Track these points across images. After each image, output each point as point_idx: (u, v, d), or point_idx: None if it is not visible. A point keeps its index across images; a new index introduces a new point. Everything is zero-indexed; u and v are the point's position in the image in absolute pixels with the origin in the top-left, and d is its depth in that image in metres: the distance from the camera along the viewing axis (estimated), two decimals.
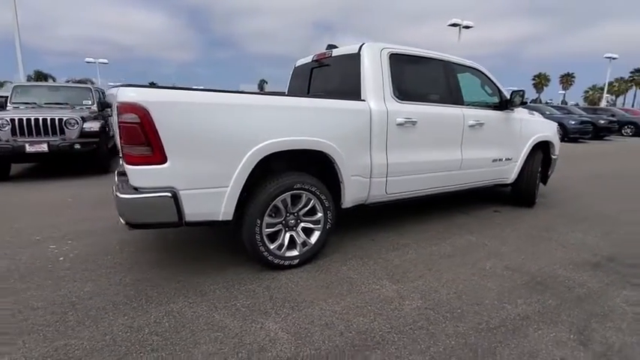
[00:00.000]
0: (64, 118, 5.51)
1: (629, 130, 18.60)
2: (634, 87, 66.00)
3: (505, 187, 4.43)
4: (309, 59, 3.82)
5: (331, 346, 1.84)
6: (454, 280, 2.55)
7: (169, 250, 3.01)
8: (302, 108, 2.54)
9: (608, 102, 47.12)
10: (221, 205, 2.29)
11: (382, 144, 2.93)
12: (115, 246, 3.07)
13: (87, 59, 29.50)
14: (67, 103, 6.72)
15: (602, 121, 16.01)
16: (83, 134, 5.63)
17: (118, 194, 2.08)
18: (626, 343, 1.91)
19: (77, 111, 6.21)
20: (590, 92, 69.87)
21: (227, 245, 3.09)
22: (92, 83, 17.55)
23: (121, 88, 2.03)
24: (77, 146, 5.54)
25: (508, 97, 3.90)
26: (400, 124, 2.98)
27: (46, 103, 6.55)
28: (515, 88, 3.92)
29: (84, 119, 5.72)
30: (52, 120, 5.44)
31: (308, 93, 3.75)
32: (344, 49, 3.26)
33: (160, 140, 2.03)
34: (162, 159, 2.05)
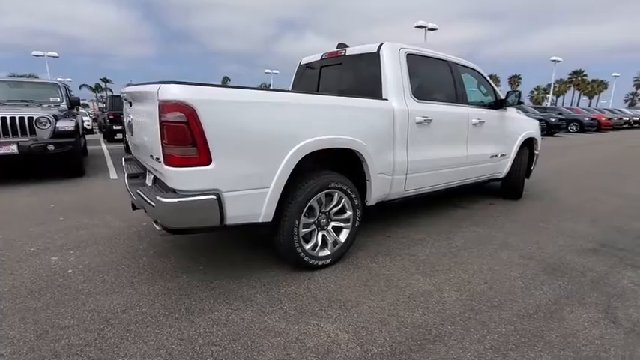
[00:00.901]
0: (35, 117, 5.01)
1: (574, 127, 20.45)
2: (572, 87, 72.63)
3: (496, 182, 4.71)
4: (316, 57, 3.80)
5: (394, 342, 1.86)
6: (480, 271, 2.69)
7: (187, 255, 2.86)
8: (338, 106, 2.53)
9: (551, 102, 51.45)
10: (262, 207, 2.22)
11: (404, 142, 2.99)
12: (125, 254, 2.86)
13: (34, 52, 26.80)
14: (32, 101, 6.10)
15: (553, 119, 17.47)
16: (57, 134, 5.16)
17: (160, 198, 1.94)
18: (631, 315, 2.13)
19: (47, 109, 5.66)
20: (535, 92, 75.95)
21: (243, 247, 3.00)
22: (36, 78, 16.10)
23: (164, 85, 1.89)
24: (51, 147, 5.07)
25: (502, 96, 4.16)
26: (419, 123, 3.07)
27: (8, 101, 5.89)
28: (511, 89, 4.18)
29: (56, 118, 5.24)
30: (22, 119, 4.92)
31: (317, 92, 3.73)
32: (360, 48, 3.28)
33: (206, 140, 1.92)
34: (207, 160, 1.95)
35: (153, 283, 2.41)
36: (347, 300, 2.25)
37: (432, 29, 18.39)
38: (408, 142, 3.03)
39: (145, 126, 2.22)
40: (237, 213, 2.13)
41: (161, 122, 1.89)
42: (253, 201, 2.18)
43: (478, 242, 3.27)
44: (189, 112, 1.86)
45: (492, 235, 3.45)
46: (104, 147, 10.07)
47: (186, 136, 1.89)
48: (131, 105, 2.51)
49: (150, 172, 2.60)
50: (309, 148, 2.30)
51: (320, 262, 2.60)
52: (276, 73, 36.37)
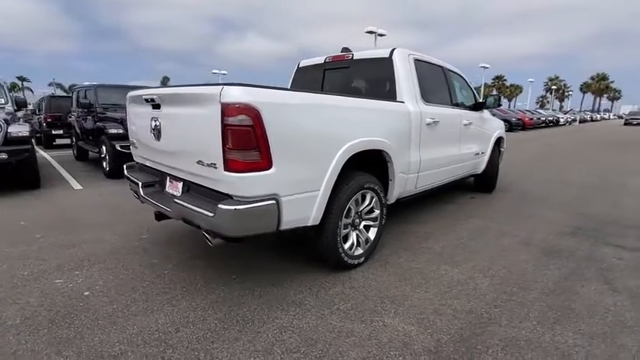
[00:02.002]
0: None
1: (504, 126, 22.96)
2: (494, 91, 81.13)
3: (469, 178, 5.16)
4: (318, 60, 3.83)
5: (457, 328, 1.99)
6: (494, 258, 2.95)
7: (211, 266, 2.71)
8: (373, 109, 2.61)
9: None
10: (313, 210, 2.21)
11: (417, 142, 3.17)
12: (143, 270, 2.62)
13: None
14: None
15: None
16: (9, 141, 4.48)
17: (222, 206, 1.84)
18: (629, 284, 2.53)
19: None
20: None
21: (264, 252, 2.93)
22: None
23: (227, 86, 1.80)
24: (3, 156, 4.39)
25: (480, 99, 4.58)
26: (429, 124, 3.27)
27: None
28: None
29: (7, 122, 4.55)
30: None
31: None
32: (368, 52, 3.40)
33: (268, 144, 1.87)
34: (268, 164, 1.90)
35: (192, 298, 2.25)
36: (395, 295, 2.34)
37: (380, 35, 19.35)
38: (420, 143, 3.21)
39: (188, 130, 2.07)
40: (291, 217, 2.10)
41: (224, 126, 1.80)
42: (306, 204, 2.17)
43: (479, 233, 3.57)
44: (254, 115, 1.80)
45: (488, 226, 3.79)
46: (45, 154, 8.89)
47: (250, 141, 1.82)
48: (158, 108, 2.31)
49: (176, 179, 2.43)
50: (354, 149, 2.35)
51: (356, 262, 2.65)
52: (224, 74, 35.09)
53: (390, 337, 1.90)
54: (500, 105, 4.63)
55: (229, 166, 1.85)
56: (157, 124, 2.31)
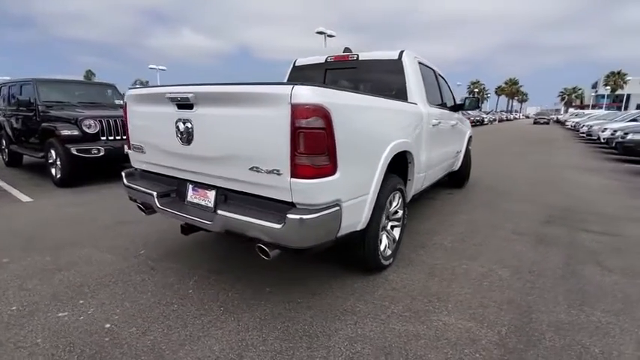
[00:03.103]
0: None
1: None
2: None
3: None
4: (318, 59, 3.75)
5: (507, 319, 2.10)
6: (500, 250, 3.18)
7: (236, 278, 2.50)
8: (402, 111, 2.62)
9: None
10: (363, 214, 2.16)
11: (427, 143, 3.28)
12: (162, 292, 2.32)
13: None
14: None
15: None
16: None
17: (292, 216, 1.70)
18: (627, 263, 2.92)
19: None
20: None
21: (286, 261, 2.80)
22: None
23: (297, 86, 1.65)
24: None
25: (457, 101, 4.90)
26: (434, 125, 3.40)
27: None
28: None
29: None
30: None
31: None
32: (376, 54, 3.41)
33: (335, 148, 1.77)
34: (334, 169, 1.80)
35: (237, 318, 2.05)
36: (437, 293, 2.39)
37: (330, 35, 19.61)
38: (429, 143, 3.33)
39: (239, 133, 1.85)
40: (347, 223, 2.02)
41: (295, 129, 1.66)
42: (359, 209, 2.11)
43: (474, 227, 3.82)
44: (325, 116, 1.69)
45: (478, 220, 4.07)
46: None
47: (322, 144, 1.71)
48: (189, 108, 2.04)
49: (205, 187, 2.19)
50: (394, 150, 2.34)
51: (387, 262, 2.66)
52: (163, 70, 32.42)
53: (457, 336, 1.94)
54: (479, 107, 5.01)
55: (298, 172, 1.71)
56: (189, 126, 2.04)
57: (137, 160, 2.61)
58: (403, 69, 3.22)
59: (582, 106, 62.13)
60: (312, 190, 1.75)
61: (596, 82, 64.27)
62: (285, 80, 3.99)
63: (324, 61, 3.70)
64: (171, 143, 2.18)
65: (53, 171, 5.09)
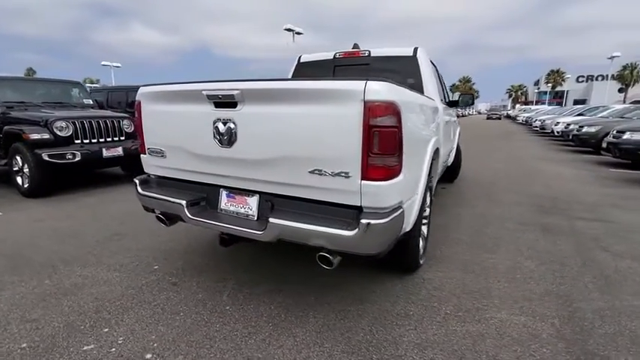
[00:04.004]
0: None
1: None
2: None
3: None
4: (325, 55, 3.64)
5: (554, 309, 2.15)
6: (514, 241, 3.27)
7: (270, 290, 2.33)
8: (432, 107, 2.57)
9: None
10: (412, 215, 2.09)
11: (442, 139, 3.29)
12: (199, 314, 2.10)
13: None
14: None
15: None
16: None
17: (367, 221, 1.58)
18: (631, 248, 3.12)
19: None
20: None
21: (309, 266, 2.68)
22: None
23: (370, 81, 1.53)
24: None
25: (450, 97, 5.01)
26: (447, 121, 3.43)
27: None
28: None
29: None
30: None
31: None
32: (389, 50, 3.37)
33: (402, 147, 1.68)
34: (400, 170, 1.71)
35: (291, 333, 1.90)
36: (478, 289, 2.39)
37: (298, 33, 19.40)
38: (442, 139, 3.35)
39: (298, 134, 1.69)
40: (404, 225, 1.94)
41: (369, 127, 1.54)
42: (411, 209, 2.03)
43: (482, 220, 3.91)
44: (398, 114, 1.60)
45: (481, 213, 4.18)
46: None
47: (394, 144, 1.61)
48: (232, 107, 1.83)
49: (244, 193, 2.00)
50: (433, 148, 2.31)
51: (422, 261, 2.63)
52: (117, 67, 30.10)
53: (518, 332, 1.94)
54: (473, 104, 5.15)
55: (369, 174, 1.60)
56: (231, 127, 1.84)
57: (154, 166, 2.33)
58: (418, 65, 3.20)
59: (527, 102, 67.28)
60: (382, 193, 1.65)
61: (538, 80, 69.80)
62: (290, 75, 3.82)
63: (332, 57, 3.59)
64: (205, 146, 1.96)
65: (19, 180, 4.48)
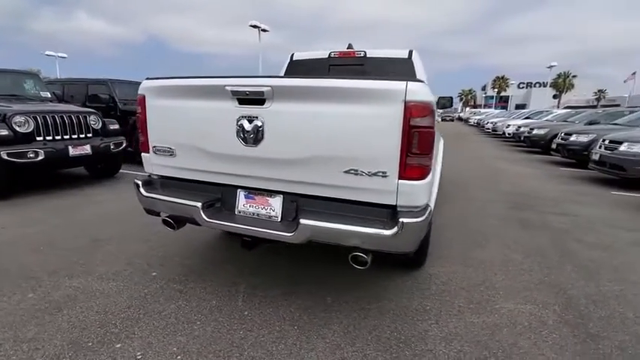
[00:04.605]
0: None
1: None
2: None
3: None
4: (320, 54, 3.62)
5: (553, 297, 2.33)
6: (499, 235, 3.50)
7: (283, 293, 2.29)
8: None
9: None
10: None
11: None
12: (210, 316, 2.00)
13: None
14: None
15: None
16: None
17: (406, 220, 1.60)
18: (597, 239, 3.47)
19: None
20: None
21: (305, 265, 2.67)
22: None
23: (411, 82, 1.55)
24: None
25: None
26: (438, 122, 3.57)
27: None
28: None
29: None
30: None
31: None
32: (384, 52, 3.43)
33: (434, 148, 1.73)
34: (430, 170, 1.75)
35: (319, 335, 1.87)
36: (482, 282, 2.52)
37: (264, 30, 19.03)
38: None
39: (334, 133, 1.66)
40: None
41: (410, 128, 1.56)
42: (432, 207, 2.09)
43: (465, 217, 4.13)
44: (433, 114, 1.64)
45: (463, 209, 4.42)
46: None
47: (431, 144, 1.65)
48: (259, 104, 1.74)
49: (266, 193, 1.93)
50: (440, 148, 2.38)
51: (425, 257, 2.72)
52: (63, 57, 27.35)
53: (528, 320, 2.08)
54: (451, 106, 5.40)
55: (407, 173, 1.63)
56: (257, 124, 1.77)
57: (160, 165, 2.16)
58: (414, 67, 3.30)
59: (475, 106, 72.09)
60: (417, 192, 1.69)
61: (485, 85, 75.13)
62: (283, 73, 3.75)
63: (327, 56, 3.58)
64: (226, 144, 1.86)
65: None
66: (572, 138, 8.35)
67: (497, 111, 32.87)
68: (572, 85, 53.85)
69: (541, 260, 2.94)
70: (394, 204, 1.70)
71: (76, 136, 4.45)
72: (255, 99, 1.76)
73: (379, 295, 2.29)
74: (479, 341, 1.87)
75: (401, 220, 1.62)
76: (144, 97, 2.08)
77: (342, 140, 1.67)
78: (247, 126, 1.79)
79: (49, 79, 8.59)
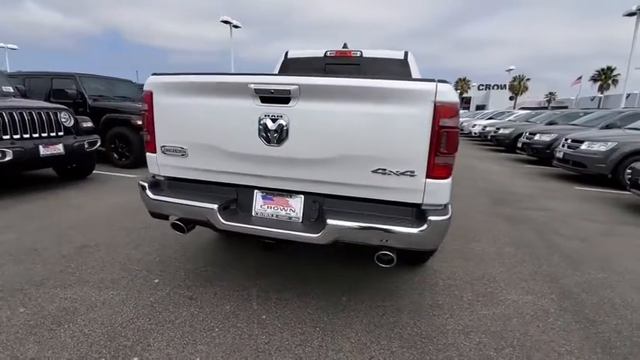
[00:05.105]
0: None
1: None
2: None
3: None
4: (316, 52, 3.60)
5: (548, 287, 2.48)
6: (489, 230, 3.67)
7: (297, 295, 2.26)
8: None
9: None
10: None
11: None
12: (230, 322, 1.93)
13: None
14: None
15: None
16: None
17: (434, 218, 1.63)
18: (573, 231, 3.74)
19: None
20: None
21: (313, 265, 2.68)
22: None
23: (440, 82, 1.57)
24: None
25: None
26: None
27: None
28: None
29: None
30: None
31: None
32: (380, 52, 3.46)
33: (458, 145, 1.78)
34: (452, 169, 1.80)
35: (344, 336, 1.87)
36: (483, 275, 2.63)
37: (235, 26, 18.53)
38: None
39: (363, 132, 1.64)
40: None
41: (440, 128, 1.59)
42: None
43: (461, 210, 4.28)
44: (458, 115, 1.67)
45: (454, 208, 4.58)
46: None
47: (456, 143, 1.69)
48: (283, 102, 1.69)
49: (286, 193, 1.89)
50: None
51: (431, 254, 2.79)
52: (13, 49, 24.82)
53: (533, 310, 2.20)
54: None
55: (434, 172, 1.66)
56: (282, 123, 1.72)
57: (168, 166, 2.04)
58: (409, 69, 3.37)
59: None
60: (442, 191, 1.73)
61: None
62: (277, 71, 3.68)
63: (323, 55, 3.56)
64: (246, 144, 1.79)
65: None
66: (536, 137, 8.95)
67: (462, 111, 34.47)
68: (527, 88, 57.60)
69: (530, 252, 3.12)
70: (419, 202, 1.73)
71: (46, 135, 4.08)
72: (279, 97, 1.72)
73: (392, 293, 2.32)
74: (494, 332, 1.96)
75: (430, 218, 1.65)
76: (151, 93, 1.95)
77: (371, 140, 1.67)
78: (271, 125, 1.74)
79: (20, 72, 7.76)
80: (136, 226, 3.33)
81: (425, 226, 1.65)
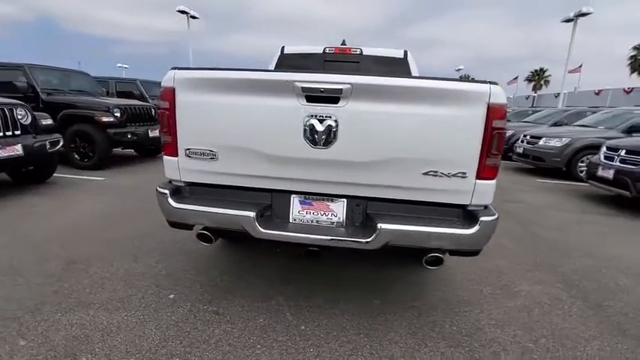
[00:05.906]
0: None
1: None
2: None
3: None
4: (314, 49, 3.48)
5: (550, 275, 2.66)
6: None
7: (328, 300, 2.19)
8: None
9: None
10: None
11: None
12: (271, 337, 1.82)
13: None
14: None
15: None
16: None
17: (486, 218, 1.65)
18: (549, 222, 4.06)
19: None
20: None
21: (335, 269, 2.64)
22: None
23: (493, 85, 1.58)
24: None
25: None
26: None
27: None
28: None
29: None
30: None
31: None
32: (379, 50, 3.44)
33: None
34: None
35: (390, 340, 1.84)
36: (493, 269, 2.75)
37: (193, 17, 17.48)
38: None
39: (415, 133, 1.59)
40: None
41: (493, 129, 1.60)
42: None
43: None
44: (506, 117, 1.70)
45: None
46: None
47: (503, 145, 1.72)
48: (333, 102, 1.57)
49: (326, 198, 1.80)
50: None
51: None
52: None
53: (548, 299, 2.34)
54: None
55: (484, 173, 1.68)
56: (331, 124, 1.62)
57: (194, 170, 1.83)
58: (409, 67, 3.40)
59: None
60: (489, 191, 1.75)
61: None
62: (273, 67, 3.52)
63: (321, 51, 3.46)
64: (289, 146, 1.67)
65: None
66: None
67: None
68: None
69: (522, 244, 3.33)
70: (467, 203, 1.74)
71: (1, 134, 3.52)
72: (328, 97, 1.62)
73: (416, 292, 2.34)
74: (524, 324, 2.05)
75: (481, 218, 1.67)
76: (173, 90, 1.74)
77: (423, 142, 1.65)
78: (318, 126, 1.64)
79: None
80: (124, 236, 3.01)
81: (477, 227, 1.67)
